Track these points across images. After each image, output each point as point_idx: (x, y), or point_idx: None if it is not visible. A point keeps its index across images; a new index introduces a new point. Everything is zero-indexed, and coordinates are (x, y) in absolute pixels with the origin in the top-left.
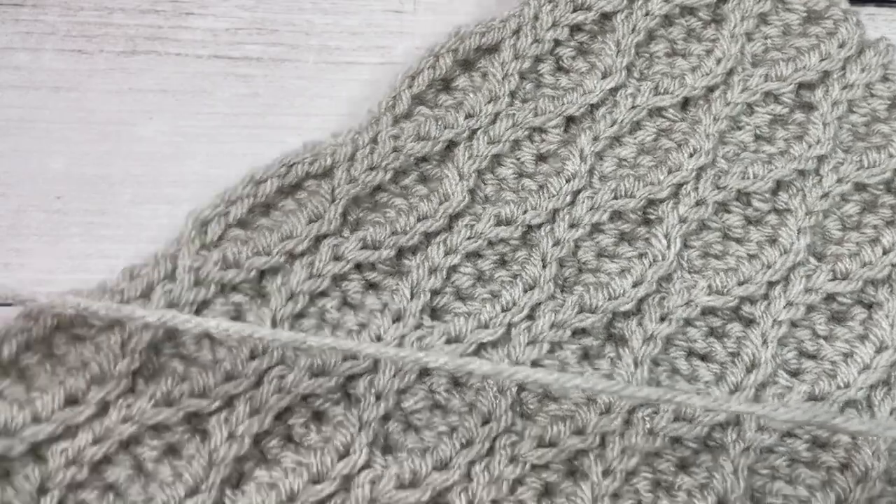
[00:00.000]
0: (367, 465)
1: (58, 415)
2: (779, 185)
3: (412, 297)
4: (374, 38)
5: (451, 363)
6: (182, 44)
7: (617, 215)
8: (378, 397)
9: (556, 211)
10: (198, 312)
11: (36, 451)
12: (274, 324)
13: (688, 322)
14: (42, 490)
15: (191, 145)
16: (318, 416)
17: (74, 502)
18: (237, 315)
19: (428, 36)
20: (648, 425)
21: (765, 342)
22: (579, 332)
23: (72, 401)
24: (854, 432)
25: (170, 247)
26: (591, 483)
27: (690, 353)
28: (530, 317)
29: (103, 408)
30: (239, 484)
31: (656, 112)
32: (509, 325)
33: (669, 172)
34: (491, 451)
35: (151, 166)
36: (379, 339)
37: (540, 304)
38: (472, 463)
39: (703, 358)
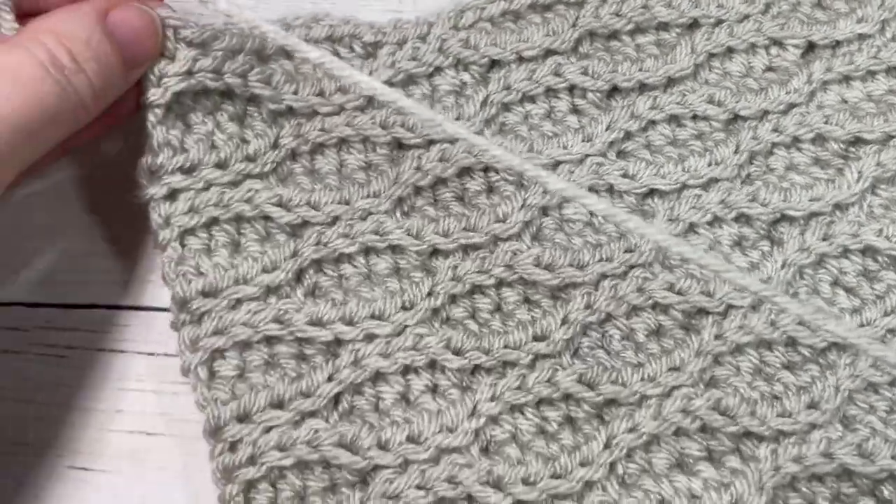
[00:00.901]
0: (515, 237)
1: (310, 98)
2: None
3: (607, 129)
4: None
5: (571, 191)
6: None
7: (820, 140)
8: (545, 192)
9: (766, 112)
10: (431, 76)
11: (278, 116)
12: (484, 104)
13: (846, 252)
14: (274, 145)
15: None
16: (491, 189)
17: (287, 168)
18: (460, 90)
19: None
20: (772, 317)
21: None
22: (742, 220)
23: (319, 94)
24: None
25: (431, 16)
26: (701, 339)
27: (836, 283)
28: (705, 187)
29: (339, 111)
30: (408, 213)
31: (894, 71)
32: (683, 185)
33: (885, 121)
34: (624, 276)
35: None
36: (564, 148)
37: (718, 180)
38: (604, 276)
39: (848, 290)
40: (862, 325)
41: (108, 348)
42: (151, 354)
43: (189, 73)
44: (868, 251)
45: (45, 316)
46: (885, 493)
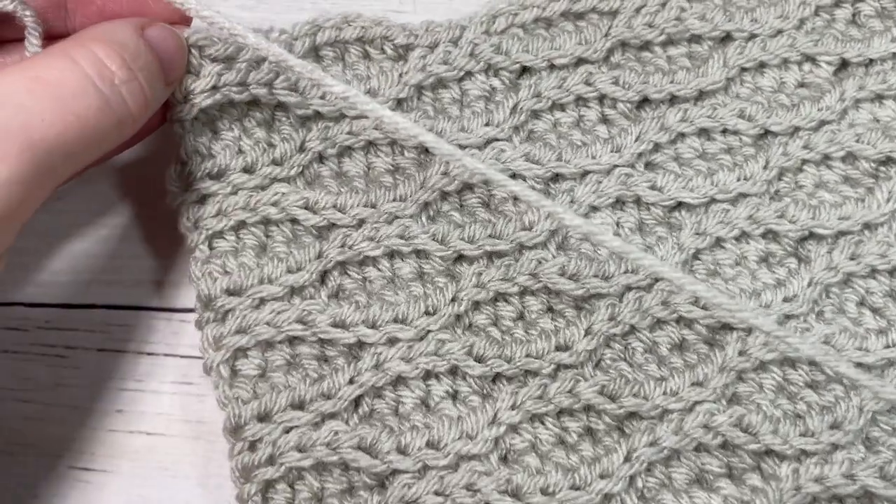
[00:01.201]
0: (541, 246)
1: (337, 102)
2: None
3: (636, 140)
4: None
5: (586, 228)
6: None
7: (850, 158)
8: (572, 201)
9: (797, 129)
10: (461, 80)
11: (306, 120)
12: (513, 111)
13: (874, 272)
14: (301, 149)
15: None
16: (518, 196)
17: (314, 171)
18: (490, 95)
19: None
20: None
21: None
22: (770, 237)
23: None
24: None
25: (463, 19)
26: (725, 354)
27: (863, 303)
28: (733, 202)
29: (361, 116)
30: (434, 218)
31: None
32: (712, 200)
33: None
34: (649, 289)
35: (152, 166)
36: (593, 157)
37: (747, 195)
38: (629, 288)
39: (874, 311)
40: (888, 347)
41: (108, 348)
42: (151, 354)
43: (214, 88)
44: None
45: (45, 316)
46: None
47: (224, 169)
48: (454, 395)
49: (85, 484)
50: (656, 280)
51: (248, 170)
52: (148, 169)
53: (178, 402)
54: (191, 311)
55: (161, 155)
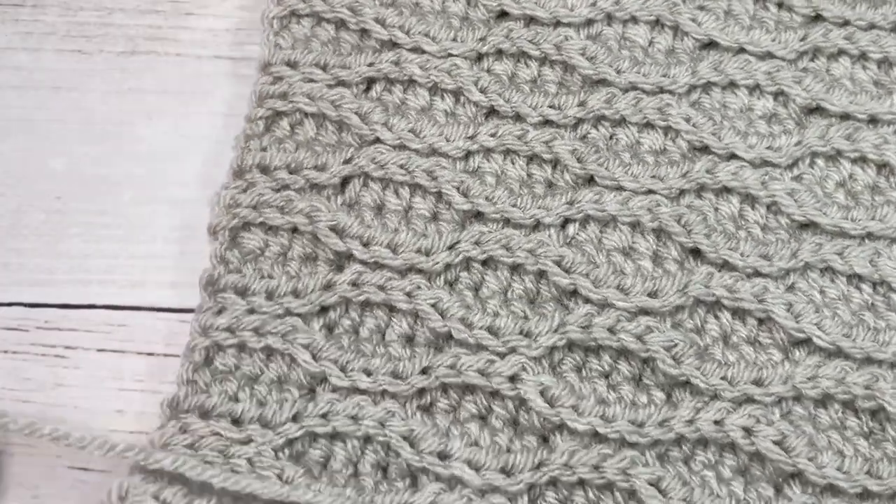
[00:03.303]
0: (575, 28)
1: None
2: None
3: None
4: None
5: None
6: (182, 44)
7: (886, 64)
8: (612, 14)
9: (846, 22)
10: None
11: None
12: None
13: (863, 159)
14: None
15: (191, 145)
16: None
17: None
18: None
19: None
20: (766, 177)
21: None
22: (780, 99)
23: None
24: None
25: None
26: (692, 167)
27: (842, 184)
28: (760, 58)
29: None
30: None
31: None
32: (741, 48)
33: None
34: (651, 94)
35: (151, 166)
36: None
37: (774, 56)
38: (634, 86)
39: (850, 194)
40: (845, 219)
41: (108, 348)
42: (151, 354)
43: None
44: (884, 168)
45: (45, 316)
46: (797, 355)
47: None
48: (450, 114)
49: (85, 484)
50: (662, 90)
51: None
52: (148, 169)
53: None
54: (191, 311)
55: (160, 156)
